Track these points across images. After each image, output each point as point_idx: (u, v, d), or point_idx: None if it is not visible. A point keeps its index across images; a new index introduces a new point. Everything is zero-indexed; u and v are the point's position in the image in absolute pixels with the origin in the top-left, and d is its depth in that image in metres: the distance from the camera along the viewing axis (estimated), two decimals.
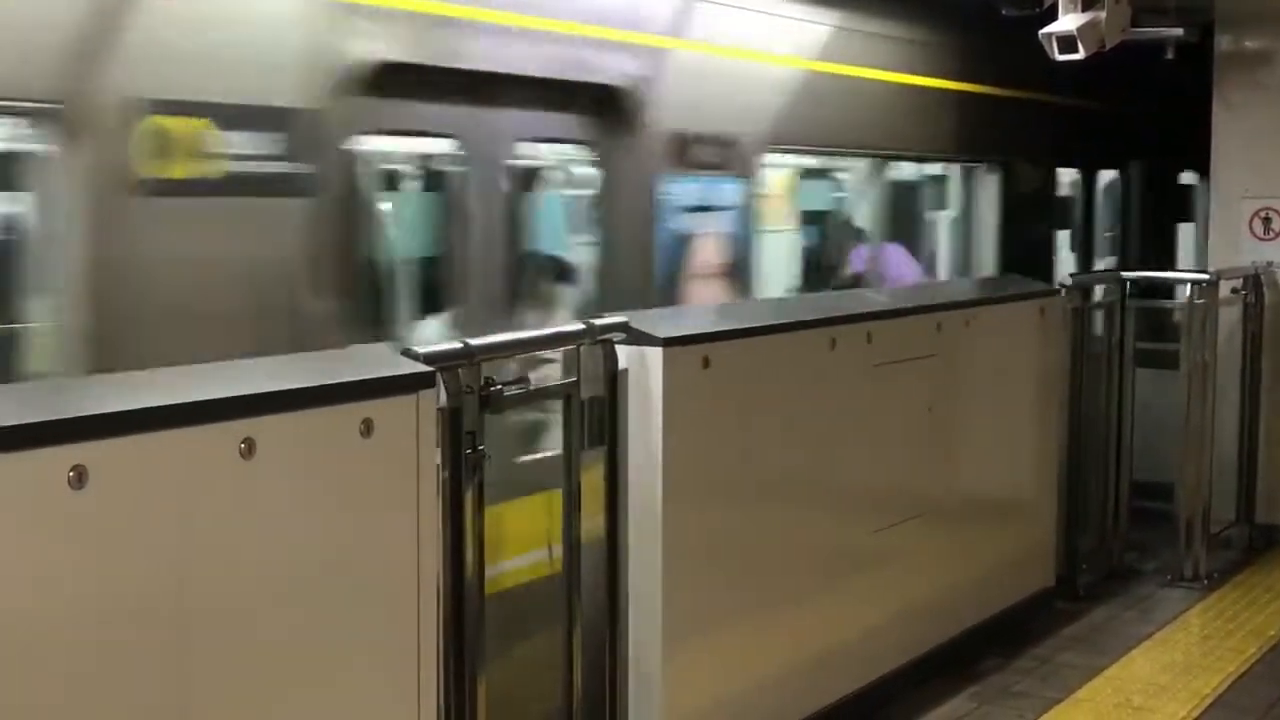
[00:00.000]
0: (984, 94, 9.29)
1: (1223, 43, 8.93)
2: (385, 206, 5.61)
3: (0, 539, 2.72)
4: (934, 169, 9.61)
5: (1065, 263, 10.75)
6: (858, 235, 8.95)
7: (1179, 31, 9.22)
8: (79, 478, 2.80)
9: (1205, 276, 8.15)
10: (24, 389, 3.72)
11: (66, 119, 4.16)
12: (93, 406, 2.97)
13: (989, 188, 9.70)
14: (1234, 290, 8.54)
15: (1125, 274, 8.27)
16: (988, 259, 9.75)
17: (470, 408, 3.76)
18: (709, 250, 6.95)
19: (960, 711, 6.05)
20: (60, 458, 2.79)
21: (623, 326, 4.45)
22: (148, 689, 3.00)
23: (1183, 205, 12.35)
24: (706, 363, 4.71)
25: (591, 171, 6.43)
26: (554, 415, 4.62)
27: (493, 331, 4.34)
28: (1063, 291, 7.43)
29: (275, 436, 3.19)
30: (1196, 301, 7.93)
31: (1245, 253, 8.82)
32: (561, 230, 6.62)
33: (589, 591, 4.34)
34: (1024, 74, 9.05)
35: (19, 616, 2.75)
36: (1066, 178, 10.82)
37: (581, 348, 4.32)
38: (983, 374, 6.56)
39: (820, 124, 7.84)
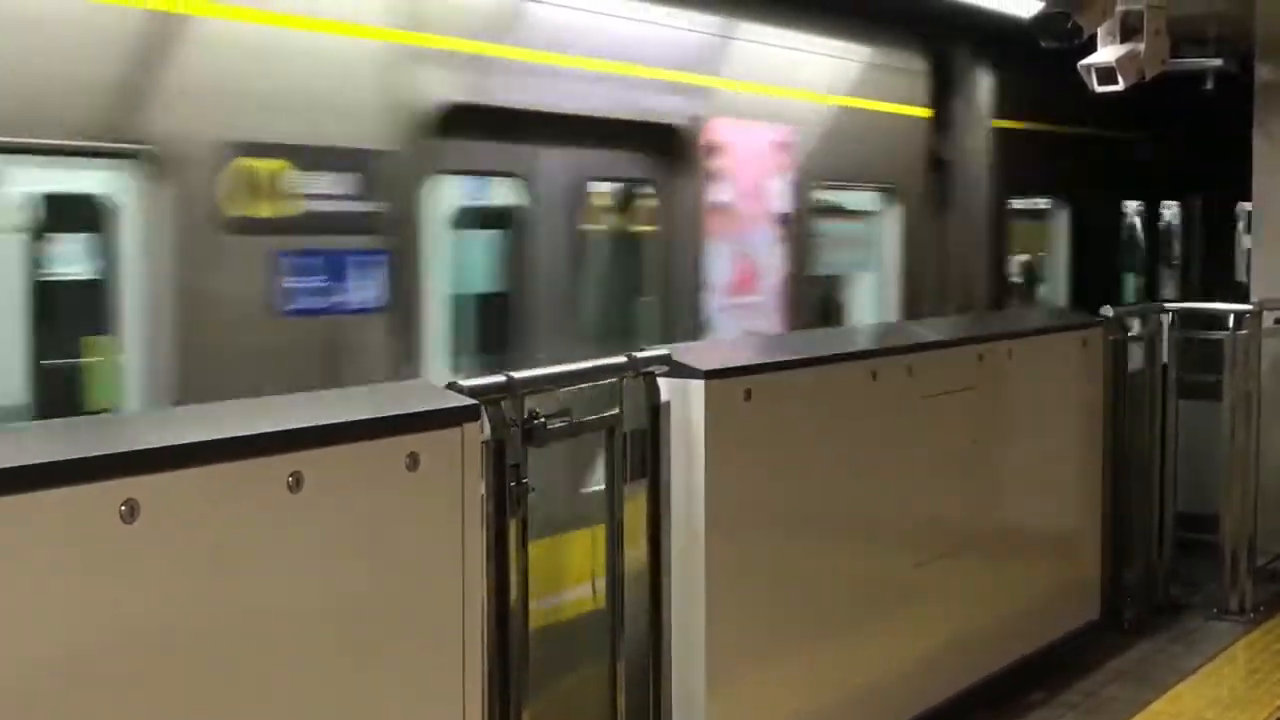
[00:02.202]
0: None
1: (1263, 73, 8.90)
2: None
3: (54, 572, 2.75)
4: None
5: None
6: None
7: (1218, 62, 9.21)
8: (131, 511, 2.83)
9: (1249, 307, 8.10)
10: (77, 423, 3.77)
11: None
12: (144, 441, 3.00)
13: None
14: (1278, 320, 8.48)
15: (1168, 304, 8.24)
16: None
17: (514, 441, 3.78)
18: None
19: None
20: (112, 491, 2.82)
21: (664, 359, 4.46)
22: None
23: None
24: (748, 395, 4.72)
25: None
26: None
27: None
28: (1104, 322, 7.41)
29: (322, 470, 3.22)
30: (1240, 332, 7.89)
31: None
32: None
33: (632, 624, 4.34)
34: None
35: (72, 648, 2.78)
36: None
37: (624, 380, 4.34)
38: (1025, 406, 6.54)
39: None
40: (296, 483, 3.16)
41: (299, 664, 3.22)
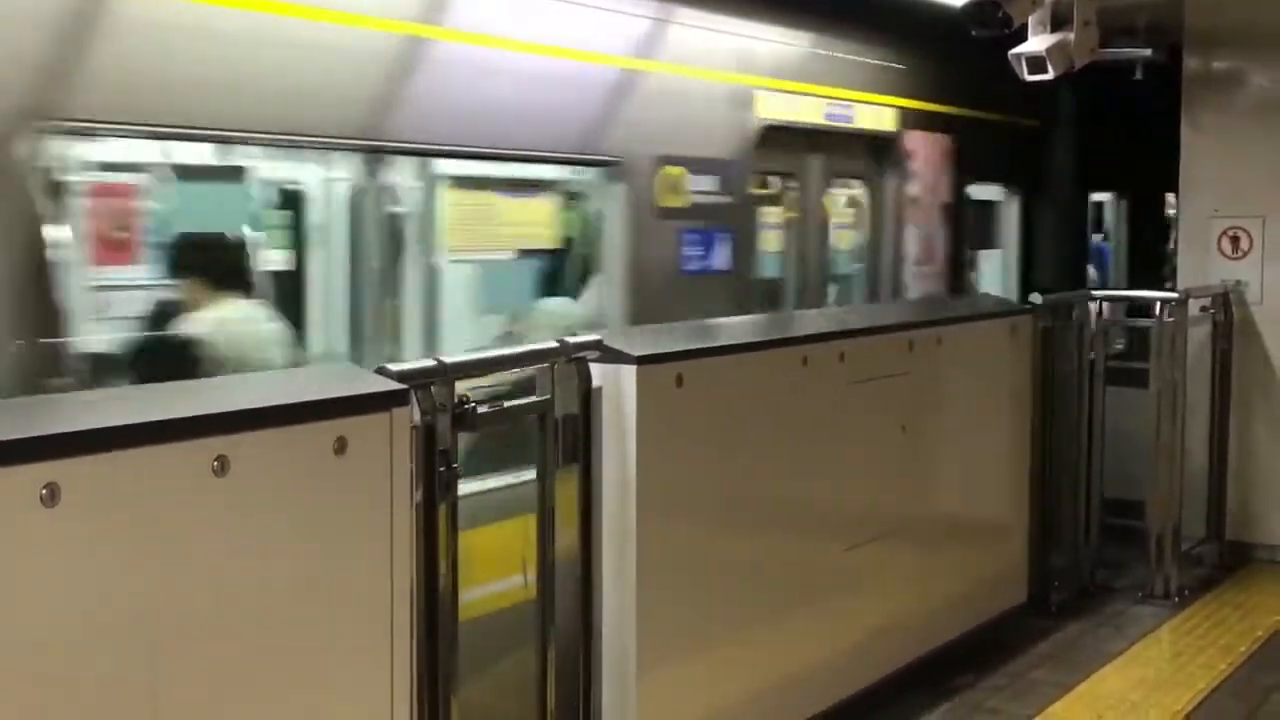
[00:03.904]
0: None
1: (1191, 64, 9.01)
2: None
3: None
4: None
5: None
6: None
7: (1148, 52, 9.31)
8: (52, 495, 2.80)
9: (1175, 295, 8.21)
10: None
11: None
12: (66, 424, 2.96)
13: None
14: (1203, 309, 8.61)
15: (1096, 293, 8.33)
16: None
17: (444, 425, 3.76)
18: None
19: None
20: (33, 475, 2.78)
21: (596, 345, 4.46)
22: (118, 707, 2.99)
23: None
24: (680, 381, 4.73)
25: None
26: None
27: None
28: (1033, 310, 7.48)
29: (249, 454, 3.19)
30: (1166, 320, 7.99)
31: (1214, 272, 8.90)
32: None
33: (563, 610, 4.34)
34: None
35: None
36: None
37: (555, 366, 4.33)
38: (955, 392, 6.59)
39: None
40: (222, 467, 3.13)
41: (224, 649, 3.19)
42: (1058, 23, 7.38)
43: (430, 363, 3.81)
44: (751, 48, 7.79)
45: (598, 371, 4.45)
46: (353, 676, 3.52)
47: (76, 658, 2.90)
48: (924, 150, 9.31)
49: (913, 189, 9.23)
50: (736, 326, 6.16)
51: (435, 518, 3.72)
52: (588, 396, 4.40)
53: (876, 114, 8.83)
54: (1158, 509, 8.03)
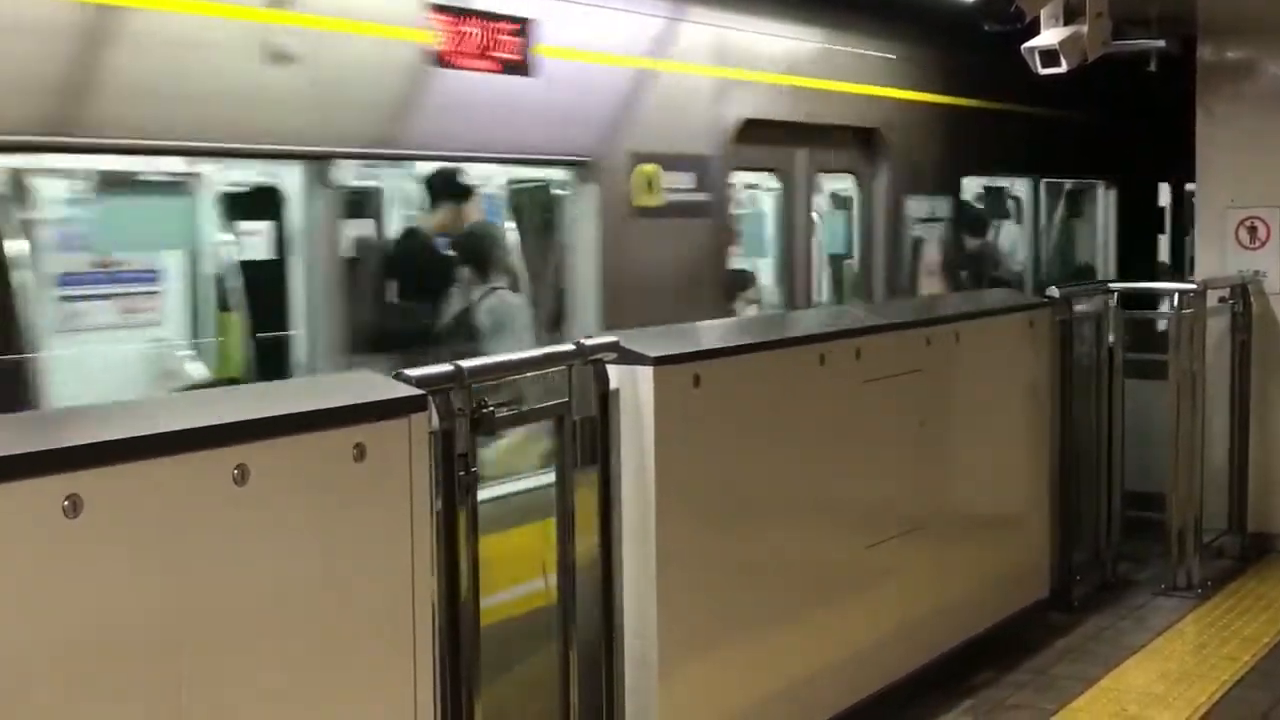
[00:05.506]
0: None
1: (1205, 54, 8.98)
2: None
3: None
4: None
5: None
6: None
7: (1161, 43, 9.28)
8: (73, 507, 2.81)
9: (1192, 286, 8.18)
10: (18, 419, 3.73)
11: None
12: (86, 435, 2.97)
13: None
14: (1221, 300, 8.58)
15: (1113, 285, 8.31)
16: None
17: (462, 430, 3.77)
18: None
19: None
20: (54, 487, 2.79)
21: (613, 346, 4.46)
22: (141, 717, 3.00)
23: None
24: (697, 381, 4.73)
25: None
26: None
27: None
28: (1051, 303, 7.46)
29: (268, 462, 3.20)
30: (1184, 311, 7.97)
31: (1231, 262, 8.87)
32: None
33: (584, 611, 4.34)
34: None
35: (13, 646, 2.76)
36: None
37: (572, 368, 4.33)
38: (973, 387, 6.58)
39: None
40: (242, 476, 3.14)
41: (246, 657, 3.20)
42: (1070, 15, 7.36)
43: (448, 367, 3.82)
44: None
45: (615, 373, 4.45)
46: (375, 682, 3.53)
47: (99, 668, 2.91)
48: None
49: None
50: (753, 325, 6.15)
51: (455, 523, 3.73)
52: (605, 398, 4.41)
53: None
54: (1179, 501, 8.00)
